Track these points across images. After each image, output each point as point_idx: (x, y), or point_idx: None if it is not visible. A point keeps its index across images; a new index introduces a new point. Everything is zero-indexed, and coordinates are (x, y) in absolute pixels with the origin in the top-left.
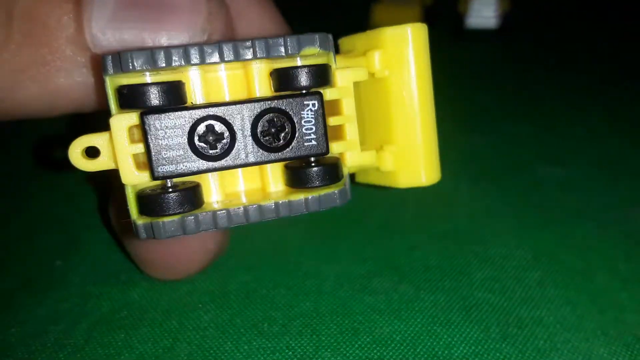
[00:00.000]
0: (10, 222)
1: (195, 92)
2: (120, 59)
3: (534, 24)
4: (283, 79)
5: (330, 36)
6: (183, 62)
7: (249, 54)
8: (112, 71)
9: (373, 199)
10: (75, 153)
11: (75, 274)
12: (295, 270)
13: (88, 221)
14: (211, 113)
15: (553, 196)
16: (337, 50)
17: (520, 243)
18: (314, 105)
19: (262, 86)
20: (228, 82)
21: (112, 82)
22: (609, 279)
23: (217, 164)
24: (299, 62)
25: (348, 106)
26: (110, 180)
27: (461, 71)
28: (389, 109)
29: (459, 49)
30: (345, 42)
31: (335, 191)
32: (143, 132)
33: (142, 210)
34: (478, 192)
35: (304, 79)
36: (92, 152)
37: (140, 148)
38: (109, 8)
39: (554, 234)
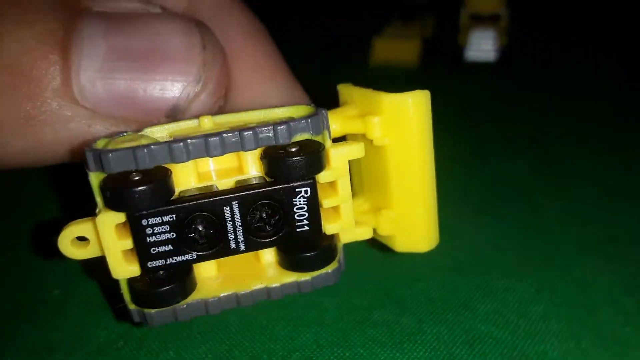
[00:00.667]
0: (6, 250)
1: (185, 177)
2: (101, 159)
3: (532, 58)
4: (274, 167)
5: (324, 114)
6: (168, 161)
7: (237, 147)
8: (93, 169)
9: None
10: (64, 244)
11: (73, 303)
12: (295, 302)
13: None
14: (200, 207)
15: (554, 229)
16: (328, 107)
17: (522, 276)
18: (306, 192)
19: (252, 166)
20: (215, 164)
21: (95, 177)
22: (612, 314)
23: (207, 254)
24: (292, 145)
25: (343, 187)
26: None
27: (460, 104)
28: (387, 175)
29: (458, 82)
30: (343, 90)
31: (329, 271)
32: (132, 232)
33: (134, 300)
34: (479, 225)
35: (297, 170)
36: (82, 238)
37: (129, 244)
38: (98, 58)
39: (556, 267)
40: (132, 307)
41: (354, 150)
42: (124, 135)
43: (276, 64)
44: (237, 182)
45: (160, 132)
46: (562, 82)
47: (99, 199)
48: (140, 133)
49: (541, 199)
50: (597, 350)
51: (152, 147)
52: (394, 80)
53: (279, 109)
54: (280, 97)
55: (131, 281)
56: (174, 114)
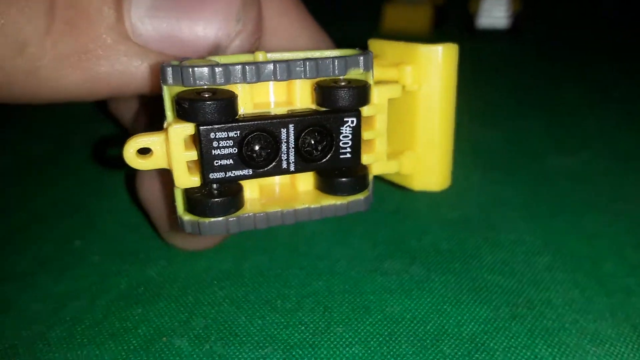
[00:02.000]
0: (27, 206)
1: (245, 101)
2: (182, 73)
3: (545, 24)
4: (327, 97)
5: (371, 55)
6: (239, 80)
7: (300, 75)
8: (171, 82)
9: (386, 188)
10: (130, 153)
11: (94, 253)
12: (308, 252)
13: (104, 205)
14: (261, 127)
15: (563, 186)
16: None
17: (530, 230)
18: (352, 122)
19: (305, 97)
20: (274, 91)
21: (169, 91)
22: (617, 265)
23: (261, 171)
24: (342, 80)
25: (381, 122)
26: None
27: (473, 69)
28: (414, 119)
29: (470, 49)
30: (374, 44)
31: (362, 198)
32: (198, 143)
33: (191, 210)
34: (489, 182)
35: (346, 100)
36: (144, 150)
37: (193, 155)
38: None
39: (564, 222)
40: (186, 217)
41: (394, 90)
42: (191, 59)
43: (301, 10)
44: (289, 111)
45: (223, 59)
46: (574, 48)
47: (169, 112)
48: (205, 58)
49: (551, 159)
50: (600, 298)
51: (229, 66)
52: None
53: (327, 51)
54: (309, 42)
55: (188, 192)
56: (215, 51)
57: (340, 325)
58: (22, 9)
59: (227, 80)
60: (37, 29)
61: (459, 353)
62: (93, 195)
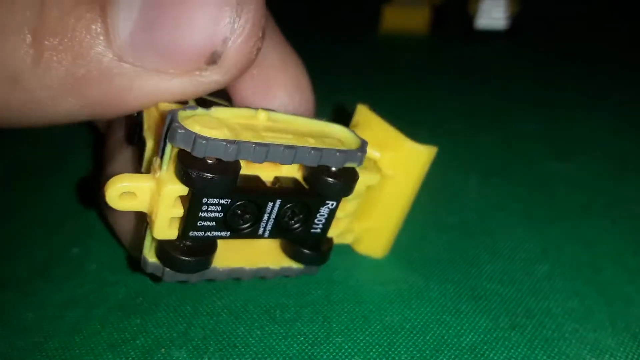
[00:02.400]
0: (26, 212)
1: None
2: (195, 143)
3: (544, 26)
4: (316, 181)
5: (367, 144)
6: (248, 159)
7: (303, 161)
8: (180, 145)
9: None
10: (113, 196)
11: (92, 261)
12: None
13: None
14: (253, 199)
15: (561, 191)
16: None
17: (529, 236)
18: (332, 205)
19: (292, 170)
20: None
21: (171, 148)
22: (616, 272)
23: (238, 234)
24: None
25: (353, 205)
26: (105, 153)
27: (470, 70)
28: (378, 198)
29: (468, 50)
30: (362, 111)
31: (318, 267)
32: (188, 205)
33: (160, 258)
34: (487, 187)
35: (335, 192)
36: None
37: (179, 213)
38: (135, 8)
39: (563, 227)
40: (151, 260)
41: (373, 179)
42: (196, 110)
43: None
44: (275, 177)
45: (224, 113)
46: (572, 50)
47: (165, 167)
48: (209, 110)
49: (548, 163)
50: (600, 307)
51: (241, 144)
52: (403, 49)
53: (330, 125)
54: (274, 55)
55: (162, 241)
56: (213, 59)
57: (340, 336)
58: (7, 39)
59: (236, 157)
60: (25, 60)
61: None
62: (92, 202)
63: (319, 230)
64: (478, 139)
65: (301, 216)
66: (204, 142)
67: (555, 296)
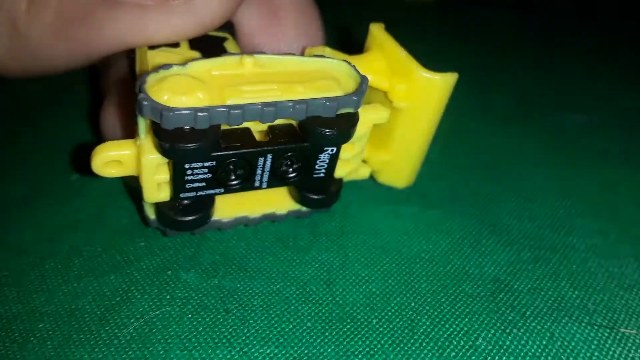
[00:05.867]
0: (23, 138)
1: (225, 125)
2: (162, 116)
3: None
4: (310, 133)
5: (366, 85)
6: (224, 122)
7: (287, 116)
8: (150, 117)
9: None
10: (99, 166)
11: (93, 187)
12: None
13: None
14: (239, 156)
15: (578, 139)
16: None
17: (548, 178)
18: (332, 150)
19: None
20: None
21: (146, 120)
22: (638, 212)
23: (233, 189)
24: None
25: (360, 144)
26: (105, 86)
27: (483, 35)
28: (394, 130)
29: (479, 16)
30: (375, 32)
31: (326, 209)
32: (173, 173)
33: (159, 220)
34: (503, 133)
35: (329, 140)
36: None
37: (166, 178)
38: None
39: (581, 169)
40: (153, 216)
41: (380, 116)
42: (170, 70)
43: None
44: (269, 127)
45: (203, 66)
46: (585, 11)
47: (142, 135)
48: (185, 67)
49: (566, 114)
50: (623, 245)
51: (212, 111)
52: (411, 13)
53: (327, 61)
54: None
55: (158, 203)
56: None
57: (357, 264)
58: None
59: (209, 124)
60: (20, 6)
61: (482, 293)
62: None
63: (322, 175)
64: (490, 93)
65: (300, 164)
66: (170, 114)
67: (578, 232)
